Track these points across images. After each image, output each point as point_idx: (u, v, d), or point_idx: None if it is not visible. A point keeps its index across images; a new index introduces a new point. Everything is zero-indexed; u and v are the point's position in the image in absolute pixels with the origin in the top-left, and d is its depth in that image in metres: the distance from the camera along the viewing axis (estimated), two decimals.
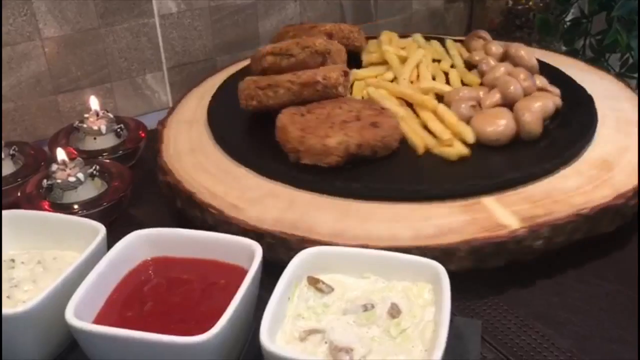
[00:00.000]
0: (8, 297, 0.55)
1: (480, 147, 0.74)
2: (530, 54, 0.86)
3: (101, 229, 0.60)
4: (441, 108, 0.78)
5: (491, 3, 1.26)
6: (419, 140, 0.74)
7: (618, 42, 1.08)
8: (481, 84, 0.84)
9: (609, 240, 0.68)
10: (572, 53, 1.16)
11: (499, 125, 0.74)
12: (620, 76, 1.12)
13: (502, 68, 0.83)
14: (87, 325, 0.49)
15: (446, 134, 0.74)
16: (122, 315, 0.53)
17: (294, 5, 1.12)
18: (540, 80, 0.82)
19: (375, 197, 0.68)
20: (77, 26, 0.94)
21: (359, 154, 0.71)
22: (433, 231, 0.63)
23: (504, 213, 0.65)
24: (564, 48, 1.21)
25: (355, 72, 0.88)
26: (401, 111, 0.78)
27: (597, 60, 1.15)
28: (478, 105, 0.79)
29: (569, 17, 1.20)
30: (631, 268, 0.67)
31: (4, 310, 0.51)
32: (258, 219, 0.66)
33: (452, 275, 0.53)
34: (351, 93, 0.85)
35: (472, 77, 0.87)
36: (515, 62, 0.86)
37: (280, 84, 0.76)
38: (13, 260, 0.60)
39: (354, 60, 0.91)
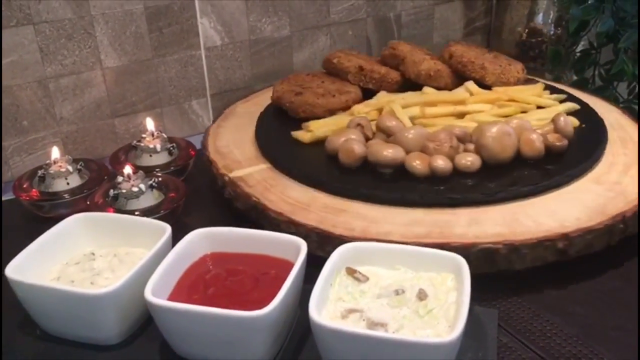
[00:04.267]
0: (92, 283, 0.65)
1: None
2: None
3: (167, 228, 0.69)
4: None
5: (507, 36, 1.36)
6: None
7: (624, 71, 1.17)
8: None
9: (612, 246, 0.76)
10: (582, 81, 1.25)
11: None
12: (627, 102, 1.21)
13: None
14: (163, 301, 0.59)
15: None
16: (189, 297, 0.62)
17: (325, 38, 1.23)
18: None
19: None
20: (134, 57, 1.06)
21: None
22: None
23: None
24: (574, 77, 1.30)
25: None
26: None
27: (606, 88, 1.23)
28: None
29: (579, 49, 1.29)
30: (632, 270, 0.75)
31: (92, 291, 0.61)
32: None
33: (471, 273, 0.61)
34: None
35: None
36: None
37: None
38: (93, 254, 0.69)
39: None
